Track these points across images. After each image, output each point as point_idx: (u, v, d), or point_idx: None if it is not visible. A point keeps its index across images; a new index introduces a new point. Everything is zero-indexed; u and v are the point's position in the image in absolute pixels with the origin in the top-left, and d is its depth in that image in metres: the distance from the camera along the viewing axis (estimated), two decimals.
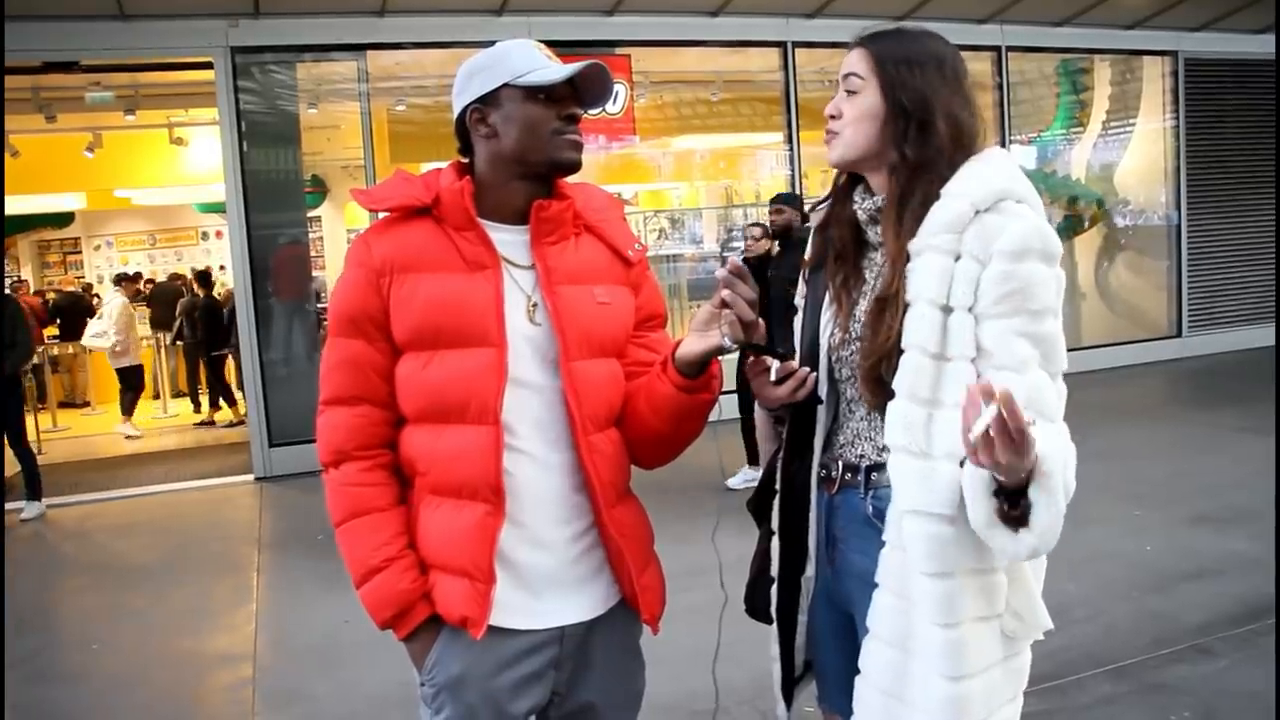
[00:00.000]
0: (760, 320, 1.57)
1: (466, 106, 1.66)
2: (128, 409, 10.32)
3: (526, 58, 1.61)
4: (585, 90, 1.65)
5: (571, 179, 1.72)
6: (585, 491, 1.67)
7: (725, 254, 10.15)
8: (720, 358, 1.66)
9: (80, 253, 15.06)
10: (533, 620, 1.65)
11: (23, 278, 14.72)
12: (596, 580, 1.71)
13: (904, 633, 1.55)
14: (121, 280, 11.51)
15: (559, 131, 1.61)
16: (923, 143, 1.57)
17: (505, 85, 1.61)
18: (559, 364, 1.63)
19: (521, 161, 1.63)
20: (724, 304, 1.56)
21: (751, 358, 1.67)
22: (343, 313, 1.66)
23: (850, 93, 1.62)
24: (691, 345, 1.62)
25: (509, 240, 1.65)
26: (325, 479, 1.70)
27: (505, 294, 1.62)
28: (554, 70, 1.60)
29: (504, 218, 1.66)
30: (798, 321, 1.80)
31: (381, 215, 1.71)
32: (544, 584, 1.66)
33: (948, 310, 1.50)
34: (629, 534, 1.71)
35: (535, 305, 1.64)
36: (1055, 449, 1.36)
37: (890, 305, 1.56)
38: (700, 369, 1.63)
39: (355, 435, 1.67)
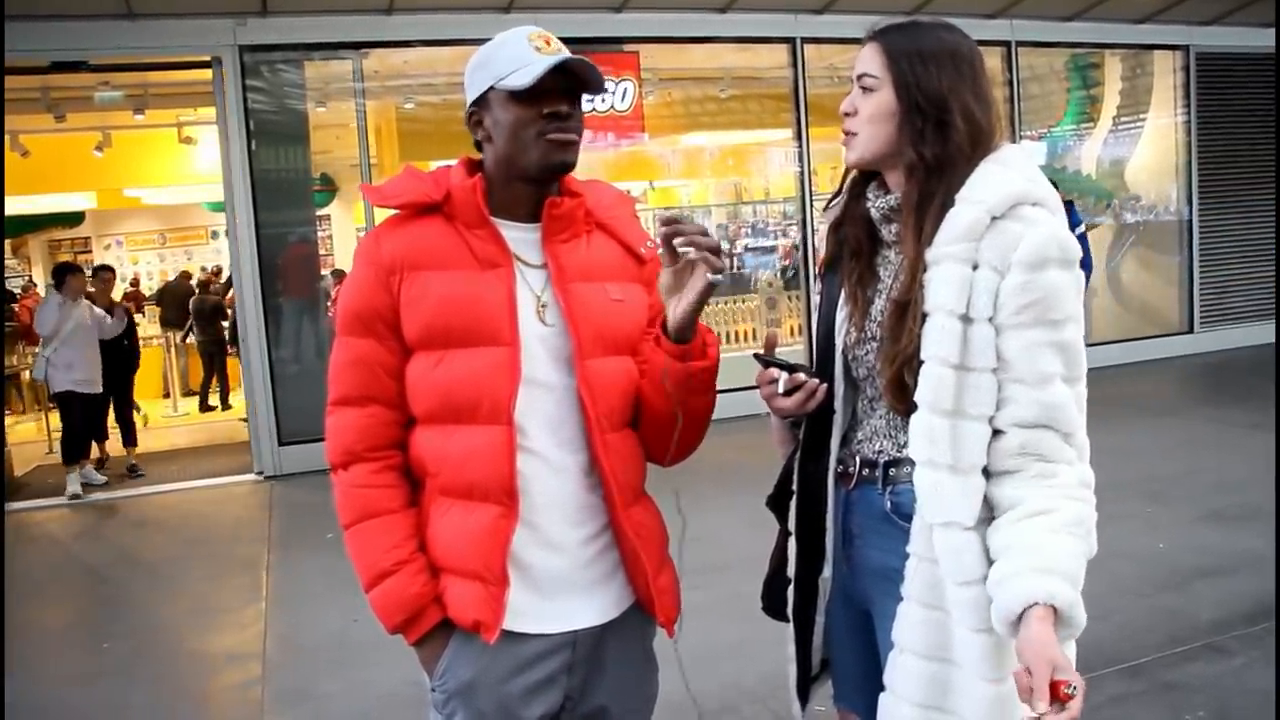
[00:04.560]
0: (724, 264, 1.54)
1: (468, 108, 1.64)
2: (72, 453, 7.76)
3: (512, 57, 1.56)
4: (574, 80, 1.59)
5: (582, 175, 1.69)
6: (599, 493, 1.64)
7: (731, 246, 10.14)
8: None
9: (91, 252, 15.05)
10: (545, 624, 1.63)
11: (32, 279, 14.77)
12: (610, 583, 1.68)
13: (941, 643, 1.54)
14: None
15: (543, 133, 1.56)
16: (941, 142, 1.54)
17: (491, 88, 1.57)
18: (573, 362, 1.60)
19: (512, 165, 1.59)
20: (674, 253, 1.53)
21: (760, 369, 1.65)
22: (352, 311, 1.63)
23: (865, 90, 1.59)
24: (681, 302, 1.57)
25: (520, 238, 1.63)
26: (334, 480, 1.68)
27: (518, 293, 1.59)
28: (529, 71, 1.53)
29: (514, 215, 1.63)
30: (813, 320, 1.78)
31: (392, 213, 1.68)
32: (556, 587, 1.63)
33: (968, 321, 1.49)
34: (645, 535, 1.69)
35: (545, 305, 1.61)
36: (1072, 574, 1.40)
37: (909, 310, 1.54)
38: (694, 329, 1.59)
39: (365, 436, 1.64)
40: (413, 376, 1.61)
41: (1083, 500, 1.49)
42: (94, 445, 8.15)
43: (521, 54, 1.55)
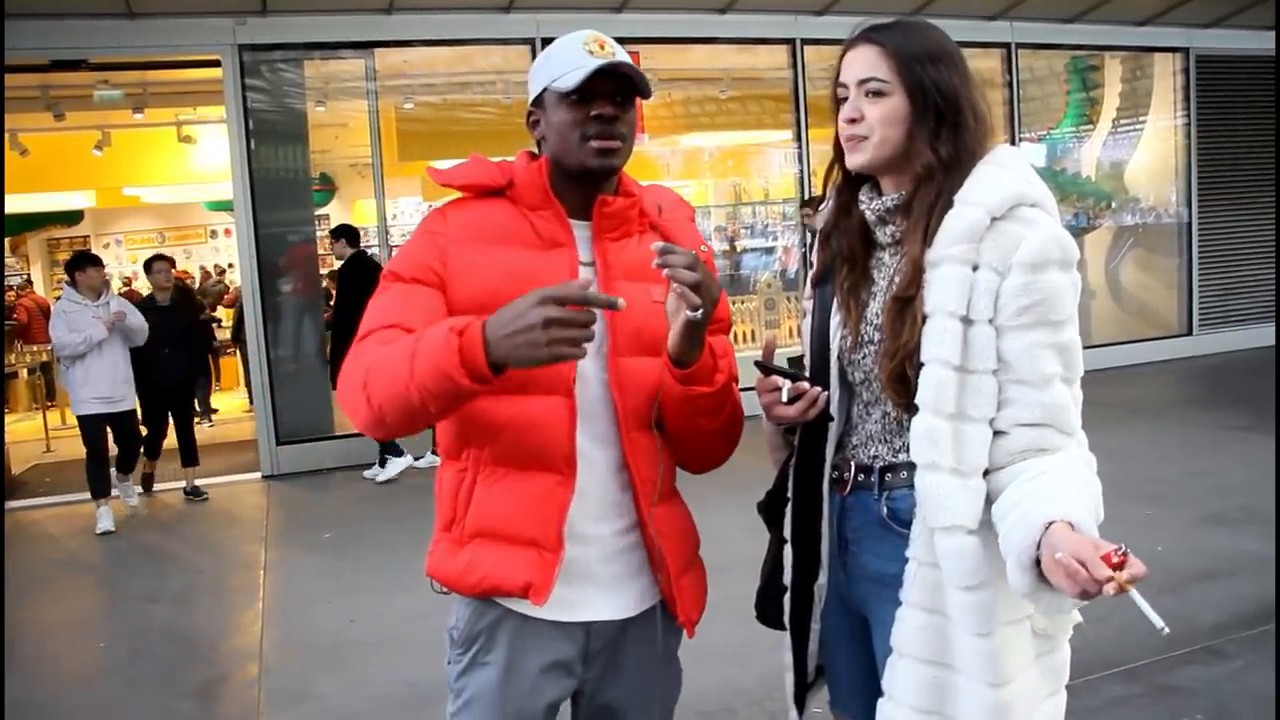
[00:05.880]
0: (700, 280, 1.50)
1: (528, 107, 1.67)
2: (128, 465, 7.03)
3: (565, 58, 1.58)
4: (624, 83, 1.60)
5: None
6: (629, 491, 1.66)
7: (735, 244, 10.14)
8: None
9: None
10: (561, 612, 1.63)
11: (30, 278, 14.77)
12: (634, 581, 1.69)
13: (941, 648, 1.54)
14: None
15: (586, 135, 1.59)
16: (955, 141, 1.55)
17: (546, 89, 1.61)
18: (606, 358, 1.62)
19: (560, 165, 1.63)
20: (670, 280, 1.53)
21: (761, 377, 1.64)
22: (404, 263, 1.62)
23: (874, 94, 1.56)
24: (671, 332, 1.59)
25: (574, 235, 1.66)
26: (344, 385, 1.53)
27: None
28: (576, 74, 1.56)
29: (569, 212, 1.66)
30: (806, 326, 1.77)
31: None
32: (578, 577, 1.64)
33: (968, 322, 1.49)
34: (669, 533, 1.70)
35: None
36: (1088, 506, 1.39)
37: (911, 306, 1.53)
38: (693, 355, 1.59)
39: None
40: None
41: (1088, 471, 1.50)
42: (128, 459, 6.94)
43: (575, 57, 1.58)
